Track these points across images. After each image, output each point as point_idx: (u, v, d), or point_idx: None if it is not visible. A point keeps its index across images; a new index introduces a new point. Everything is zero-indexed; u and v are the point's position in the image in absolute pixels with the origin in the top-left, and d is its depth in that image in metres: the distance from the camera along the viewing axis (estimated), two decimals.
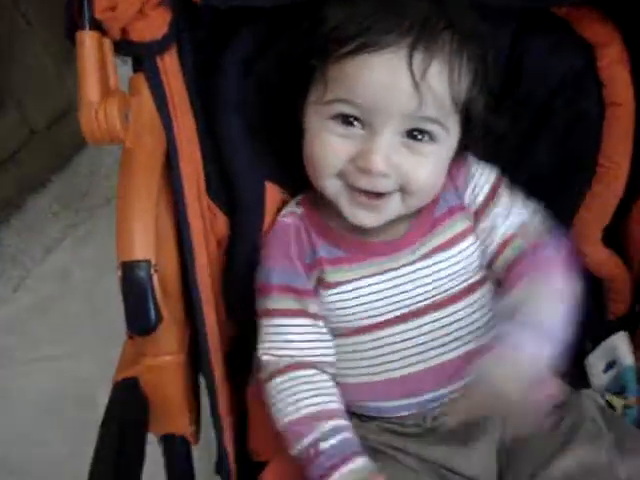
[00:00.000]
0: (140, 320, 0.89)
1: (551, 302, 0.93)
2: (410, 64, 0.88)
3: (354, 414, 1.04)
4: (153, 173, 0.91)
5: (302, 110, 0.98)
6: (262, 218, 1.05)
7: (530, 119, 1.07)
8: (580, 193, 1.06)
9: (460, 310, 1.01)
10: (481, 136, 1.00)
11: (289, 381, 1.00)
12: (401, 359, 1.01)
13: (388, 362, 1.01)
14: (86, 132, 0.88)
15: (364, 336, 1.02)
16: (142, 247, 0.87)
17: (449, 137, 0.97)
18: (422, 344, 1.00)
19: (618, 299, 1.12)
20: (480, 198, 1.03)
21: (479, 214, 1.03)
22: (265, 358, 1.03)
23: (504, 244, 1.02)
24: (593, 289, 1.11)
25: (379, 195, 0.97)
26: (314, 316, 1.02)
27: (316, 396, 1.00)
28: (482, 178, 1.04)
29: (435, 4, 0.91)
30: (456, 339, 1.00)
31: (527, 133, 1.08)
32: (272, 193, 1.06)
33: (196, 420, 1.04)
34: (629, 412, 1.05)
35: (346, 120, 0.93)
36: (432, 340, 1.00)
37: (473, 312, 1.01)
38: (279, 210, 1.07)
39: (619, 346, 1.09)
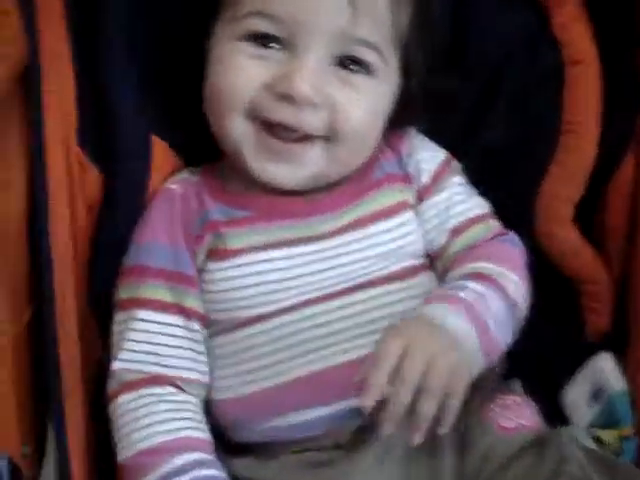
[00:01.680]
0: None
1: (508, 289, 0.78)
2: None
3: (247, 449, 0.79)
4: None
5: (208, 40, 0.81)
6: (145, 177, 0.84)
7: (480, 86, 0.92)
8: (542, 165, 0.89)
9: (388, 294, 0.79)
10: (420, 97, 0.84)
11: (140, 399, 0.77)
12: (308, 352, 0.77)
13: (291, 358, 0.77)
14: None
15: (261, 325, 0.79)
16: None
17: (388, 73, 0.81)
18: (335, 333, 0.77)
19: (598, 309, 0.90)
20: (426, 175, 0.86)
21: (425, 193, 0.85)
22: (116, 366, 0.78)
23: (458, 230, 0.84)
24: (566, 301, 0.91)
25: (299, 139, 0.78)
26: (189, 313, 0.80)
27: (174, 420, 0.76)
28: (428, 153, 0.87)
29: None
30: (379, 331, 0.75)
31: (477, 102, 0.93)
32: (160, 148, 0.85)
33: (36, 439, 0.75)
34: (627, 445, 0.81)
35: (261, 40, 0.77)
36: (348, 329, 0.77)
37: (404, 299, 0.79)
38: (168, 174, 0.86)
39: (604, 369, 0.85)
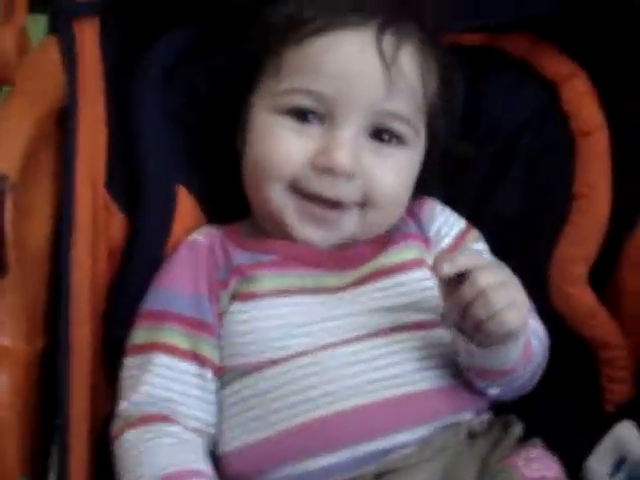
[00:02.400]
0: None
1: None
2: (380, 45, 0.79)
3: None
4: (37, 106, 0.76)
5: (246, 108, 0.86)
6: (169, 227, 0.86)
7: (492, 157, 0.95)
8: (555, 231, 0.90)
9: (400, 343, 0.79)
10: (440, 162, 0.88)
11: (146, 434, 0.75)
12: (317, 397, 0.75)
13: (300, 402, 0.76)
14: None
15: (272, 370, 0.78)
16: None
17: (418, 141, 0.85)
18: (345, 378, 0.76)
19: (617, 377, 0.87)
20: (447, 240, 0.88)
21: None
22: (124, 406, 0.78)
23: None
24: (585, 369, 0.89)
25: (336, 205, 0.81)
26: (204, 361, 0.80)
27: (180, 453, 0.75)
28: (450, 219, 0.90)
29: None
30: (394, 376, 0.77)
31: (490, 172, 0.95)
32: (185, 201, 0.88)
33: (38, 469, 0.73)
34: None
35: (302, 115, 0.81)
36: (359, 374, 0.76)
37: (416, 349, 0.79)
38: (191, 227, 0.87)
39: (627, 437, 0.80)
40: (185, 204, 0.88)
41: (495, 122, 0.95)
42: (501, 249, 0.90)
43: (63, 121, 0.81)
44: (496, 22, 0.92)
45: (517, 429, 0.80)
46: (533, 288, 0.85)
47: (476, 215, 0.92)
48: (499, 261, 0.76)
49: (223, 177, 0.89)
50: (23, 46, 0.78)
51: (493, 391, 0.79)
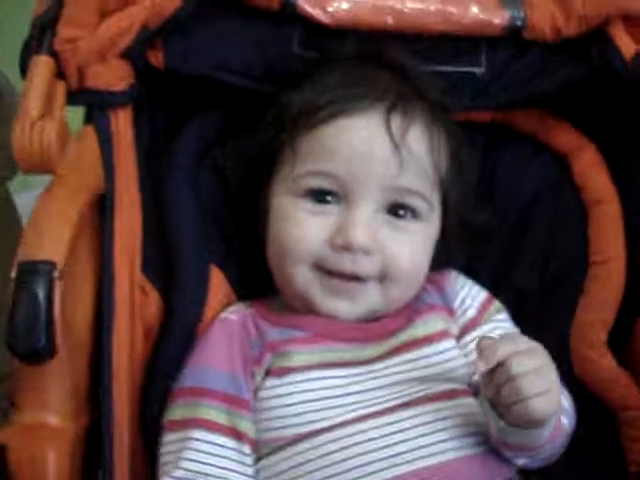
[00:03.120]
0: (27, 334, 0.70)
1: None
2: (389, 127, 0.84)
3: None
4: (81, 194, 0.80)
5: (266, 191, 0.90)
6: (203, 305, 0.89)
7: (509, 232, 0.99)
8: (573, 299, 0.94)
9: (429, 413, 0.81)
10: (456, 234, 0.92)
11: None
12: (353, 469, 0.78)
13: (336, 475, 0.78)
14: (17, 147, 0.79)
15: (308, 443, 0.80)
16: (48, 247, 0.74)
17: (433, 215, 0.89)
18: (380, 449, 0.79)
19: (638, 437, 0.89)
20: (472, 310, 0.91)
21: (470, 326, 0.90)
22: None
23: None
24: (606, 431, 0.91)
25: (357, 279, 0.85)
26: (241, 437, 0.82)
27: None
28: (473, 290, 0.94)
29: (402, 76, 0.89)
30: (426, 446, 0.79)
31: (507, 244, 0.99)
32: (217, 279, 0.92)
33: None
34: None
35: (319, 196, 0.86)
36: (392, 445, 0.79)
37: (446, 418, 0.81)
38: (222, 304, 0.91)
39: None
40: (217, 282, 0.92)
41: (509, 195, 0.99)
42: (522, 318, 0.93)
43: (101, 206, 0.85)
44: (505, 101, 0.97)
45: None
46: (554, 355, 0.88)
47: (496, 286, 0.96)
48: (536, 343, 0.77)
49: (251, 255, 0.92)
50: (64, 138, 0.82)
51: (521, 461, 0.82)
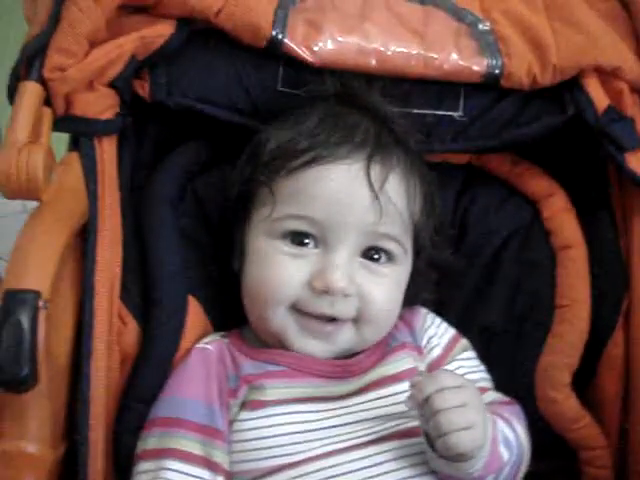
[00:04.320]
0: (10, 364, 0.69)
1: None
2: (368, 175, 0.86)
3: None
4: (66, 224, 0.80)
5: (243, 230, 0.91)
6: (180, 335, 0.90)
7: (479, 272, 1.02)
8: (539, 341, 0.97)
9: (401, 448, 0.84)
10: (427, 275, 0.95)
11: None
12: None
13: None
14: (1, 173, 0.79)
15: (282, 475, 0.81)
16: (33, 276, 0.73)
17: (406, 258, 0.91)
18: None
19: (599, 475, 0.94)
20: (438, 350, 0.94)
21: (436, 365, 0.92)
22: None
23: None
24: (568, 468, 0.95)
25: (332, 320, 0.87)
26: (215, 468, 0.83)
27: None
28: (440, 328, 0.96)
29: (380, 121, 0.91)
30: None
31: (476, 285, 1.02)
32: (195, 309, 0.93)
33: None
34: None
35: (298, 239, 0.87)
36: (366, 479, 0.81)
37: (417, 453, 0.83)
38: (199, 334, 0.92)
39: None
40: (195, 313, 0.93)
41: (481, 236, 1.02)
42: (489, 357, 0.96)
43: (83, 233, 0.85)
44: (481, 146, 1.00)
45: None
46: (519, 394, 0.93)
47: (464, 324, 0.98)
48: (467, 380, 0.82)
49: (228, 286, 0.93)
50: (50, 164, 0.82)
51: None
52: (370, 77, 0.94)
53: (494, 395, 0.92)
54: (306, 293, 0.85)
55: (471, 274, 1.02)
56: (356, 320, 0.87)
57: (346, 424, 0.85)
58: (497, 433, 0.82)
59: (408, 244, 0.91)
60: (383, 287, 0.88)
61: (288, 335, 0.87)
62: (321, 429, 0.84)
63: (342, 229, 0.85)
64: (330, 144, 0.86)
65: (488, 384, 0.94)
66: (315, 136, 0.87)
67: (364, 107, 0.91)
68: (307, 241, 0.87)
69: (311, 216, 0.86)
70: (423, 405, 0.77)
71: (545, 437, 0.93)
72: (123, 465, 0.85)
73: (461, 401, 0.76)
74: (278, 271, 0.86)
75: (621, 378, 0.94)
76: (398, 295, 0.91)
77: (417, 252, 0.93)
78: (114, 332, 0.87)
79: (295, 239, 0.87)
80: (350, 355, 0.90)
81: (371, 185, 0.85)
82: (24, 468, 0.73)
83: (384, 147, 0.88)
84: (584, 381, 0.96)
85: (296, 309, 0.86)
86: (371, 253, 0.88)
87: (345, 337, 0.88)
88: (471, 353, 0.95)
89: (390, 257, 0.89)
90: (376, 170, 0.86)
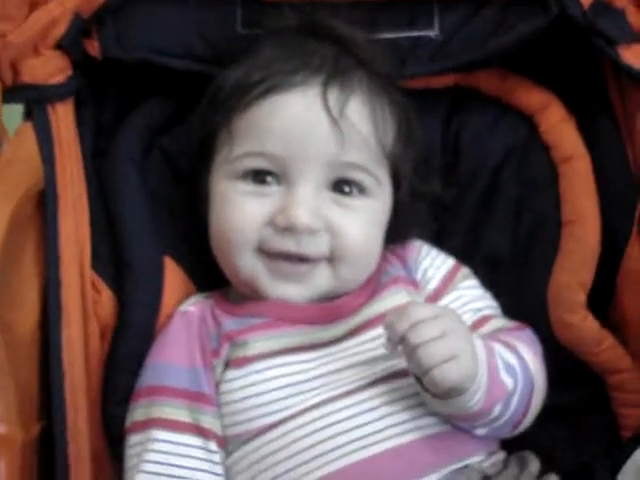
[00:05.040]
0: None
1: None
2: (325, 100, 0.80)
3: None
4: (14, 193, 0.76)
5: (207, 176, 0.86)
6: (159, 298, 0.85)
7: (477, 194, 0.95)
8: (548, 261, 0.88)
9: (400, 390, 0.78)
10: (412, 207, 0.88)
11: None
12: (324, 453, 0.74)
13: (308, 460, 0.75)
14: None
15: (276, 431, 0.77)
16: None
17: (381, 190, 0.84)
18: (350, 430, 0.75)
19: (630, 400, 0.85)
20: (435, 282, 0.87)
21: (435, 297, 0.86)
22: None
23: (477, 325, 0.84)
24: (596, 397, 0.87)
25: (304, 260, 0.81)
26: (206, 434, 0.78)
27: None
28: (437, 259, 0.89)
29: (341, 46, 0.85)
30: (391, 425, 0.75)
31: (476, 210, 0.94)
32: (172, 271, 0.88)
33: None
34: None
35: (258, 177, 0.82)
36: (362, 425, 0.75)
37: (416, 394, 0.76)
38: (180, 296, 0.87)
39: None
40: (173, 274, 0.88)
41: (476, 160, 0.95)
42: (496, 286, 0.89)
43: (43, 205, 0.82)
44: (463, 62, 0.92)
45: (534, 466, 0.78)
46: (533, 321, 0.86)
47: (468, 254, 0.92)
48: (443, 307, 0.78)
49: (205, 244, 0.87)
50: (0, 136, 0.79)
51: (480, 432, 0.77)
52: (333, 6, 0.87)
53: (501, 322, 0.85)
54: (269, 232, 0.80)
55: (469, 201, 0.94)
56: (331, 259, 0.81)
57: (339, 370, 0.79)
58: (496, 359, 0.75)
59: (381, 175, 0.84)
60: (356, 221, 0.81)
61: (260, 281, 0.81)
62: (313, 379, 0.78)
63: (303, 161, 0.80)
64: (285, 73, 0.81)
65: (493, 311, 0.87)
66: (269, 67, 0.81)
67: (325, 35, 0.85)
68: (268, 179, 0.81)
69: (269, 151, 0.80)
70: (401, 345, 0.70)
71: (566, 365, 0.86)
72: (115, 438, 0.81)
73: (439, 331, 0.70)
74: (239, 212, 0.81)
75: None
76: (375, 230, 0.84)
77: (398, 184, 0.86)
78: (89, 302, 0.83)
79: (256, 178, 0.81)
80: (337, 296, 0.84)
81: (328, 110, 0.79)
82: None
83: (343, 71, 0.82)
84: (604, 301, 0.87)
85: (263, 251, 0.81)
86: (341, 186, 0.82)
87: (321, 278, 0.82)
88: (473, 281, 0.88)
89: (361, 189, 0.82)
90: (334, 95, 0.80)
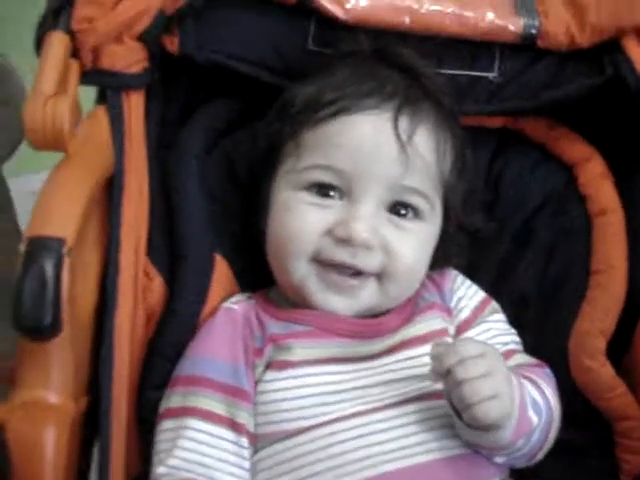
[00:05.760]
0: (33, 310, 0.69)
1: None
2: (396, 127, 0.84)
3: None
4: (91, 174, 0.80)
5: (270, 184, 0.90)
6: (206, 293, 0.89)
7: (512, 238, 0.99)
8: (574, 307, 0.93)
9: (429, 410, 0.81)
10: (457, 237, 0.93)
11: None
12: (349, 463, 0.78)
13: (331, 468, 0.78)
14: (29, 123, 0.78)
15: (305, 436, 0.80)
16: (57, 224, 0.73)
17: (434, 216, 0.89)
18: (377, 444, 0.79)
19: (633, 447, 0.89)
20: (466, 311, 0.92)
21: (464, 326, 0.90)
22: (162, 470, 0.79)
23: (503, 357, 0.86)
24: (602, 439, 0.91)
25: (355, 275, 0.85)
26: (240, 429, 0.81)
27: None
28: (470, 290, 0.94)
29: (410, 76, 0.89)
30: (415, 444, 0.79)
31: (509, 250, 0.99)
32: (221, 268, 0.91)
33: None
34: None
35: (322, 190, 0.85)
36: (389, 440, 0.79)
37: (444, 415, 0.81)
38: (225, 294, 0.91)
39: None
40: (221, 271, 0.91)
41: (514, 201, 1.00)
42: (522, 324, 0.94)
43: (110, 188, 0.85)
44: (516, 107, 0.97)
45: None
46: (553, 362, 0.90)
47: (497, 290, 0.96)
48: (490, 346, 0.80)
49: (255, 246, 0.92)
50: (76, 116, 0.81)
51: (499, 459, 0.82)
52: (404, 36, 0.92)
53: (523, 357, 0.90)
54: (328, 242, 0.83)
55: (504, 239, 0.99)
56: (380, 276, 0.85)
57: (373, 385, 0.83)
58: (525, 397, 0.79)
59: (436, 201, 0.88)
60: (409, 243, 0.85)
61: (309, 289, 0.85)
62: (347, 390, 0.82)
63: (367, 180, 0.83)
64: (358, 96, 0.85)
65: (517, 346, 0.91)
66: (343, 88, 0.85)
67: (396, 63, 0.89)
68: (332, 193, 0.85)
69: (336, 166, 0.84)
70: (445, 377, 0.75)
71: (579, 407, 0.90)
72: (147, 420, 0.84)
73: (484, 370, 0.74)
74: (300, 220, 0.84)
75: None
76: (424, 253, 0.88)
77: (447, 213, 0.91)
78: (140, 288, 0.86)
79: (320, 191, 0.85)
80: (376, 315, 0.88)
81: (398, 136, 0.83)
82: (45, 418, 0.72)
83: (414, 100, 0.86)
84: (620, 351, 0.92)
85: (317, 260, 0.84)
86: (398, 208, 0.86)
87: (368, 293, 0.86)
88: (501, 316, 0.93)
89: (417, 213, 0.87)
90: (404, 122, 0.84)
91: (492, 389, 0.74)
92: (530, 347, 0.93)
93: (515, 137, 1.02)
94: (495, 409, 0.74)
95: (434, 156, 0.87)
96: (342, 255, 0.83)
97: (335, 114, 0.85)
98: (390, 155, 0.84)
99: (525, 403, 0.79)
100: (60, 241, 0.71)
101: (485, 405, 0.73)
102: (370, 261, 0.84)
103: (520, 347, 0.92)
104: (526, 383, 0.81)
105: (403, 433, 0.79)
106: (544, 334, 0.94)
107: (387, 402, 0.81)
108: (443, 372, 0.75)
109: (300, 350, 0.84)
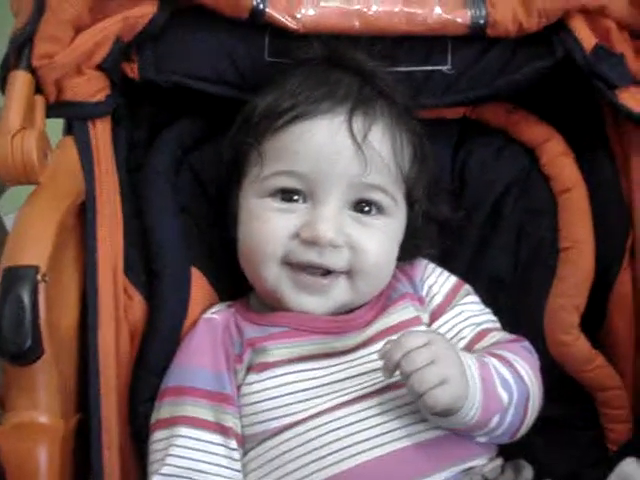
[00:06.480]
0: (13, 336, 0.72)
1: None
2: (350, 128, 0.87)
3: None
4: (61, 202, 0.83)
5: (236, 194, 0.93)
6: (186, 306, 0.92)
7: (482, 224, 1.02)
8: (546, 285, 0.96)
9: (406, 396, 0.82)
10: (424, 227, 0.95)
11: None
12: (334, 452, 0.81)
13: (318, 459, 0.81)
14: None
15: (290, 432, 0.83)
16: (31, 252, 0.76)
17: (398, 211, 0.92)
18: (359, 432, 0.81)
19: (617, 416, 0.92)
20: (439, 297, 0.94)
21: (438, 312, 0.93)
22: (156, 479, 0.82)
23: (473, 341, 0.91)
24: (585, 411, 0.94)
25: (325, 274, 0.88)
26: (228, 432, 0.84)
27: None
28: (441, 277, 0.97)
29: (363, 77, 0.92)
30: (403, 428, 0.82)
31: (480, 235, 1.02)
32: (198, 280, 0.94)
33: None
34: None
35: (286, 195, 0.89)
36: (370, 428, 0.82)
37: None
38: (205, 304, 0.94)
39: (631, 474, 0.84)
40: (199, 284, 0.94)
41: (481, 188, 1.02)
42: (498, 306, 0.97)
43: (83, 214, 0.88)
44: (472, 96, 0.99)
45: (528, 472, 0.85)
46: (530, 340, 0.92)
47: (472, 276, 0.98)
48: (434, 333, 0.84)
49: (229, 256, 0.94)
50: (44, 147, 0.85)
51: (480, 439, 0.84)
52: (356, 39, 0.94)
53: (500, 334, 0.92)
54: (295, 244, 0.86)
55: (474, 226, 1.02)
56: (349, 273, 0.88)
57: (351, 377, 0.85)
58: (491, 374, 0.81)
59: (398, 196, 0.91)
60: (374, 238, 0.88)
61: (283, 292, 0.88)
62: (326, 384, 0.85)
63: (328, 181, 0.86)
64: (312, 101, 0.88)
65: (493, 325, 0.94)
66: (298, 95, 0.88)
67: (348, 66, 0.92)
68: (296, 197, 0.88)
69: (297, 170, 0.87)
70: (395, 372, 0.77)
71: (560, 381, 0.92)
72: (141, 435, 0.87)
73: (428, 358, 0.76)
74: (267, 226, 0.87)
75: (632, 317, 0.93)
76: (391, 247, 0.91)
77: (411, 206, 0.93)
78: (121, 307, 0.89)
79: (284, 196, 0.88)
80: (350, 311, 0.91)
81: (353, 136, 0.86)
82: (37, 439, 0.74)
83: (366, 100, 0.89)
84: (596, 324, 0.95)
85: (287, 263, 0.87)
86: (361, 206, 0.89)
87: (340, 291, 0.88)
88: (474, 297, 0.95)
89: (380, 209, 0.89)
90: (358, 122, 0.87)
91: (438, 375, 0.76)
92: (507, 328, 0.94)
93: (476, 126, 1.04)
94: (444, 395, 0.76)
95: (391, 152, 0.90)
96: (310, 256, 0.86)
97: (292, 121, 0.88)
98: (347, 155, 0.87)
99: (491, 382, 0.81)
100: (34, 268, 0.74)
101: (434, 392, 0.75)
102: (338, 260, 0.87)
103: (497, 325, 0.94)
104: (493, 361, 0.84)
105: (379, 421, 0.82)
106: (520, 314, 0.97)
107: (363, 393, 0.84)
108: (392, 368, 0.77)
109: (276, 351, 0.86)
